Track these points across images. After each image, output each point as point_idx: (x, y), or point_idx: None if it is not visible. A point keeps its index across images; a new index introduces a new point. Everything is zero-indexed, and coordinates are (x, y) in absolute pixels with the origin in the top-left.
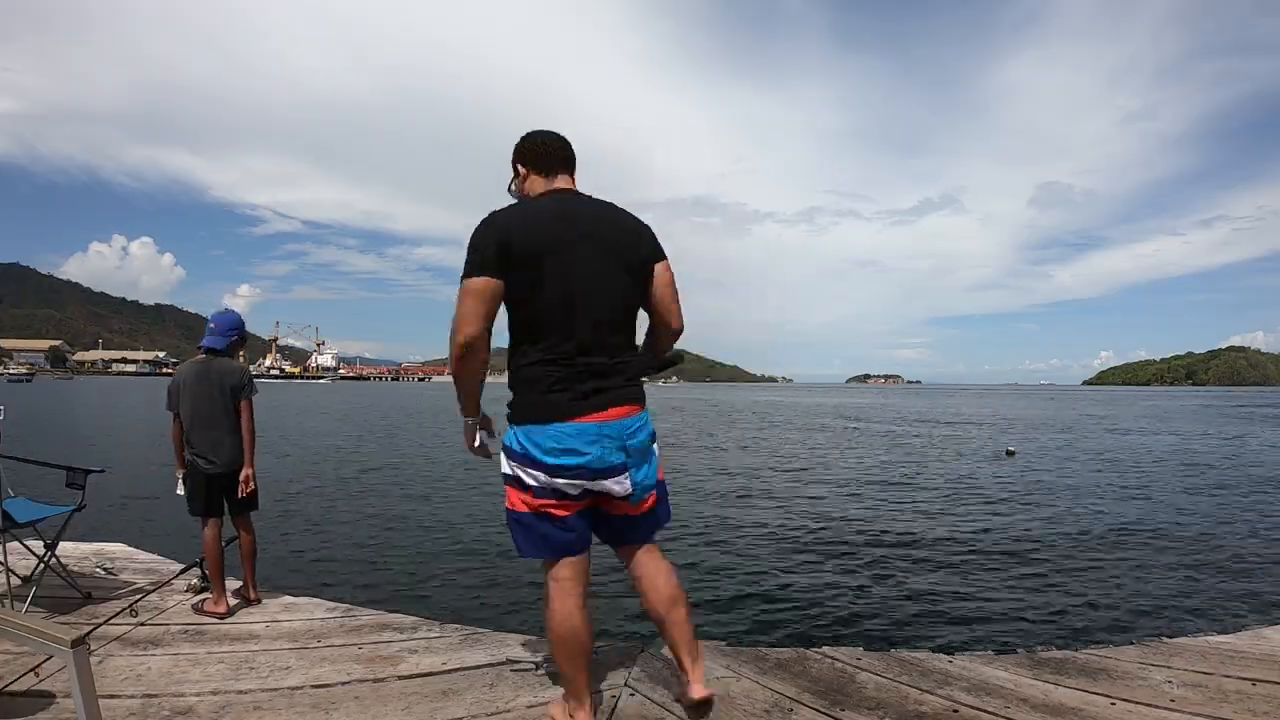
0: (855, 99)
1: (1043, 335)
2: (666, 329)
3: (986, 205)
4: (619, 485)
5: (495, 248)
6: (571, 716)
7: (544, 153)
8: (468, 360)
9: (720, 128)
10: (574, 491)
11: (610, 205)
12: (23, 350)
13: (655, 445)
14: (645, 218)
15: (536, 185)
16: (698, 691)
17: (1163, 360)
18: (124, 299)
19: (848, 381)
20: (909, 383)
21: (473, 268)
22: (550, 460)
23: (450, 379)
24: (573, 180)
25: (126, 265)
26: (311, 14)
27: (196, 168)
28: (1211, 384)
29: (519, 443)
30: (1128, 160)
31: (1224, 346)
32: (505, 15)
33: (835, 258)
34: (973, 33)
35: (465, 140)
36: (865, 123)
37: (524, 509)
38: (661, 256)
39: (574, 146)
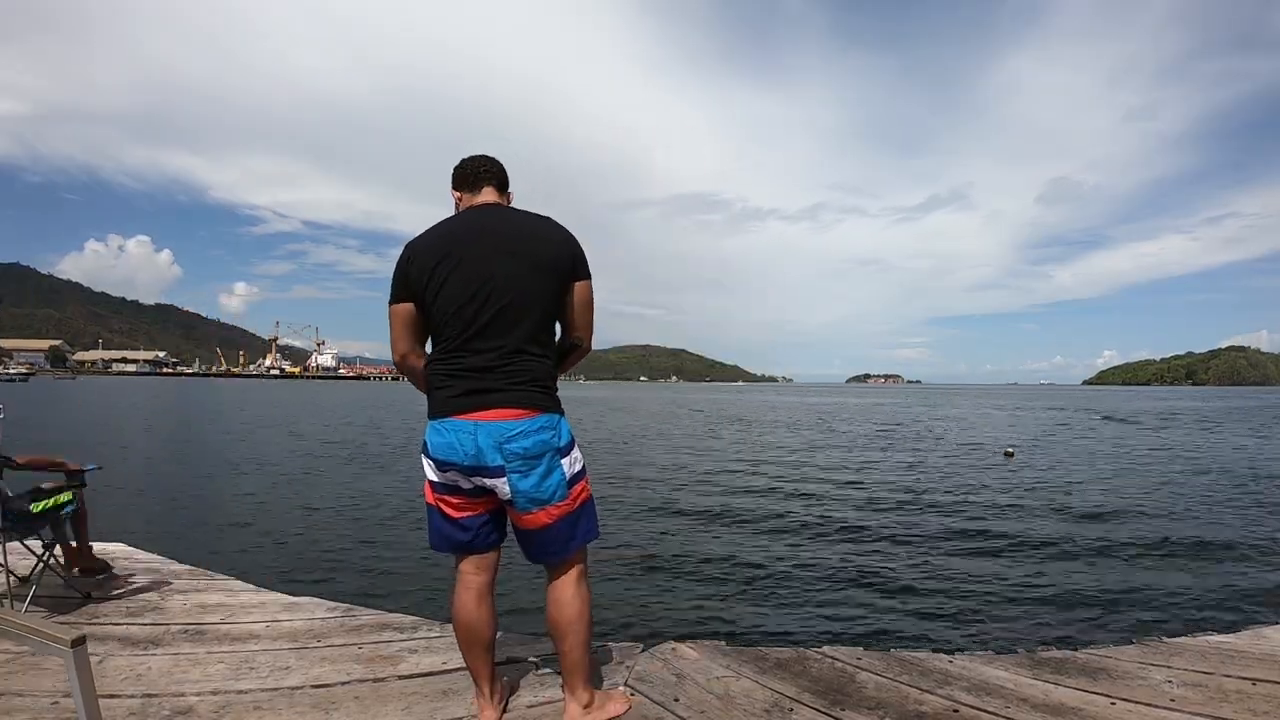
0: (856, 97)
1: (1045, 335)
2: (575, 345)
3: (993, 202)
4: (498, 487)
5: (399, 275)
6: (477, 704)
7: (467, 173)
8: (406, 373)
9: (721, 126)
10: (465, 485)
11: (528, 216)
12: (23, 350)
13: (563, 459)
14: (646, 214)
15: (464, 204)
16: (572, 718)
17: (1163, 360)
18: (124, 299)
19: (847, 381)
20: (909, 382)
21: (391, 295)
22: (436, 455)
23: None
24: (500, 194)
25: (124, 264)
26: (311, 14)
27: (197, 168)
28: (1211, 384)
29: (424, 437)
30: (1130, 159)
31: (1224, 346)
32: (505, 15)
33: (838, 256)
34: (973, 32)
35: (466, 141)
36: (868, 120)
37: (429, 501)
38: (584, 276)
39: (574, 149)
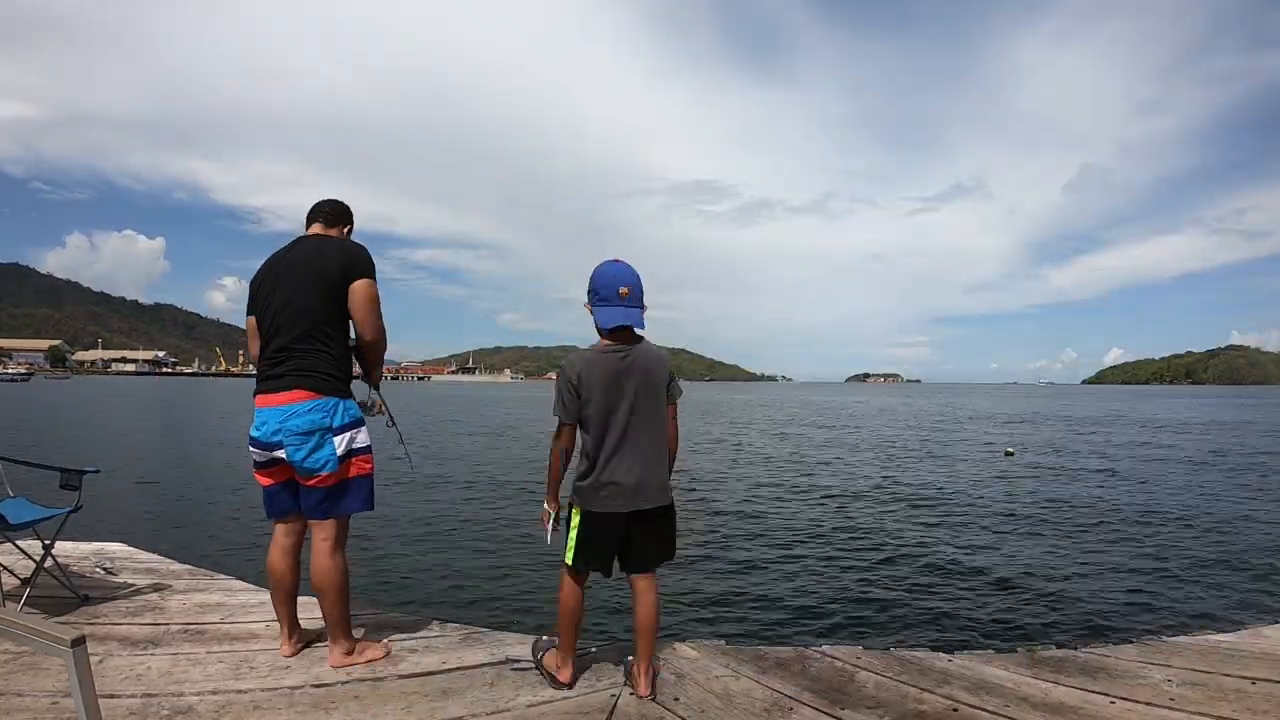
0: (860, 85)
1: (1058, 331)
2: (361, 338)
3: (1013, 192)
4: (285, 457)
5: (249, 293)
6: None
7: (309, 214)
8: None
9: (722, 116)
10: (260, 459)
11: (317, 241)
12: (22, 350)
13: (335, 437)
14: (648, 205)
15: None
16: (334, 662)
17: (1162, 359)
18: (123, 298)
19: (846, 380)
20: (909, 381)
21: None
22: (250, 434)
23: (450, 379)
24: (324, 227)
25: (123, 262)
26: (312, 20)
27: (199, 171)
28: (1211, 383)
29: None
30: (1147, 152)
31: (1224, 346)
32: (504, 18)
33: (842, 251)
34: (982, 18)
35: (467, 144)
36: (875, 110)
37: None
38: (359, 276)
39: (573, 144)
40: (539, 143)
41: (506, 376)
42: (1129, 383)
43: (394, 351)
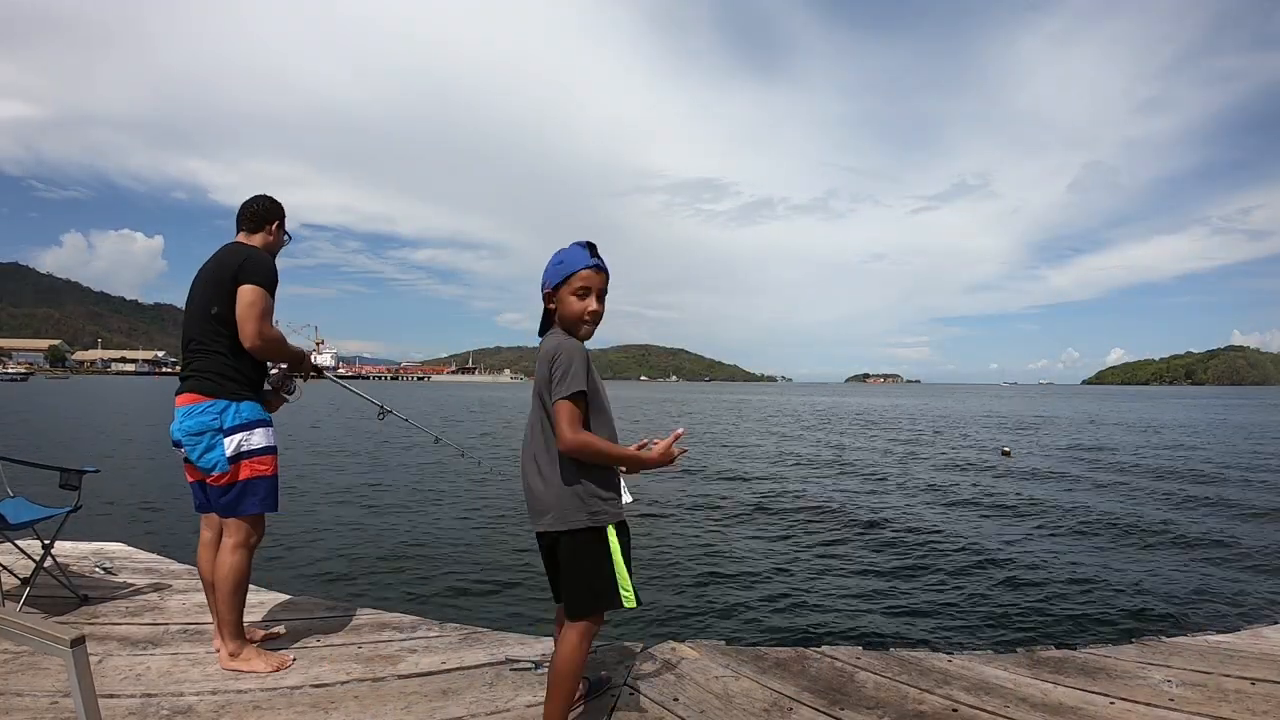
0: (861, 84)
1: (1059, 332)
2: (241, 344)
3: (1014, 191)
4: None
5: None
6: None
7: (235, 218)
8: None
9: (722, 115)
10: (182, 456)
11: (227, 248)
12: (22, 350)
13: (225, 438)
14: (648, 204)
15: None
16: (221, 662)
17: (1162, 360)
18: (123, 298)
19: (846, 381)
20: (908, 381)
21: None
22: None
23: (449, 378)
24: (246, 235)
25: (115, 259)
26: (313, 20)
27: (199, 171)
28: (1210, 383)
29: None
30: (1149, 151)
31: (1225, 346)
32: (502, 19)
33: (843, 251)
34: (982, 18)
35: (467, 144)
36: (876, 109)
37: None
38: (244, 281)
39: (572, 145)
40: (539, 143)
41: (507, 376)
42: (1129, 383)
43: (394, 352)
